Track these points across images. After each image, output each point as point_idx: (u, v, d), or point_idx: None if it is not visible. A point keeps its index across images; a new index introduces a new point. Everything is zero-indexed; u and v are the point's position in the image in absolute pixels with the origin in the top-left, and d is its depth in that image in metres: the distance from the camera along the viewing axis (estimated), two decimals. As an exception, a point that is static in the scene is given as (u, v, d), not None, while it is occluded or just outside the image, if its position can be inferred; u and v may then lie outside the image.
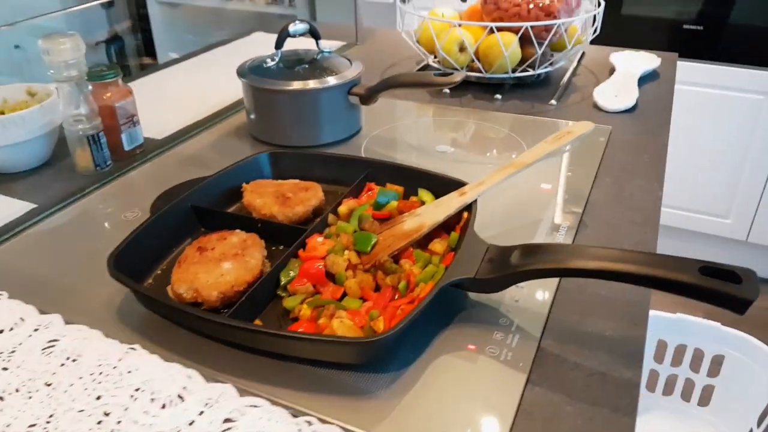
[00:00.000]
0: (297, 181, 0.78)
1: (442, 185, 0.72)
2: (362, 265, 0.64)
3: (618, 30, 2.01)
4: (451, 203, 0.69)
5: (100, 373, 0.49)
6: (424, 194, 0.74)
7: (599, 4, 1.17)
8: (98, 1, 1.63)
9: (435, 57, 1.21)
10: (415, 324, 0.54)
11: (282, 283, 0.62)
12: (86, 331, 0.55)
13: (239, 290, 0.61)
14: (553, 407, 0.52)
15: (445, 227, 0.68)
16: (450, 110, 1.11)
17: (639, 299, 0.63)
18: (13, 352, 0.53)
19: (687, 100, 1.97)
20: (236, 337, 0.56)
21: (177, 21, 1.80)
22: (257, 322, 0.58)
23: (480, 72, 1.14)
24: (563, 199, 0.81)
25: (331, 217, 0.71)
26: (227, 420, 0.46)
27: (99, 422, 0.46)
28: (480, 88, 1.18)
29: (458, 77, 0.85)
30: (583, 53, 1.37)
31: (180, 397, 0.47)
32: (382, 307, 0.59)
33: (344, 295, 0.62)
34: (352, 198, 0.74)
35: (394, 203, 0.73)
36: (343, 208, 0.72)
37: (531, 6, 1.11)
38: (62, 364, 0.52)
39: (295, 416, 0.48)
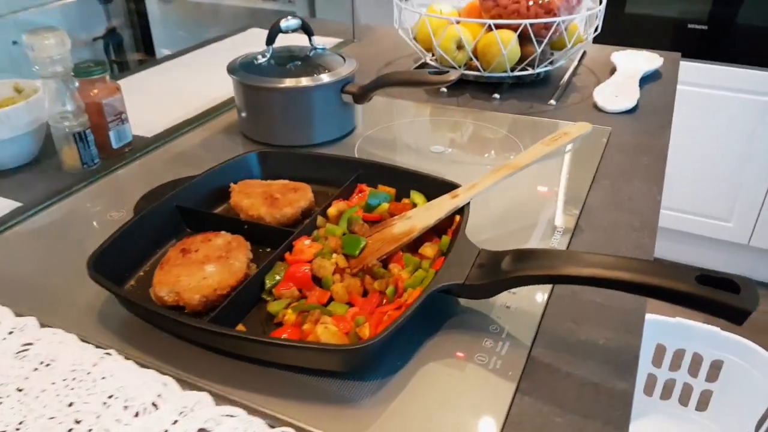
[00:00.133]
0: (286, 181, 0.76)
1: (435, 187, 0.71)
2: (350, 269, 0.62)
3: (620, 29, 1.99)
4: (442, 206, 0.67)
5: (74, 379, 0.48)
6: (416, 196, 0.72)
7: (601, 2, 1.15)
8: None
9: (432, 55, 1.19)
10: (402, 330, 0.52)
11: (267, 286, 0.61)
12: (62, 335, 0.53)
13: (222, 294, 0.59)
14: (543, 418, 0.50)
15: (436, 231, 0.66)
16: (447, 110, 1.09)
17: (635, 307, 0.61)
18: (-15, 356, 0.51)
19: (689, 100, 1.95)
20: (216, 343, 0.55)
21: (174, 17, 1.79)
22: (240, 327, 0.57)
23: (478, 71, 1.12)
24: (560, 202, 0.79)
25: (319, 219, 0.69)
26: (201, 430, 0.44)
27: (69, 430, 0.44)
28: (478, 87, 1.16)
29: (453, 76, 0.83)
30: (584, 52, 1.35)
31: (154, 404, 0.45)
32: (369, 313, 0.57)
33: (331, 299, 0.60)
34: (342, 200, 0.72)
35: (385, 205, 0.71)
36: (332, 210, 0.70)
37: (530, 3, 1.09)
38: (35, 369, 0.50)
39: (272, 427, 0.47)
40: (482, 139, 1.00)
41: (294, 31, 0.93)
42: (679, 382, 1.39)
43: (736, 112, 1.95)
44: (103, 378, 0.47)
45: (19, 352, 0.52)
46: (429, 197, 0.71)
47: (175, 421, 0.44)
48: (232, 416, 0.45)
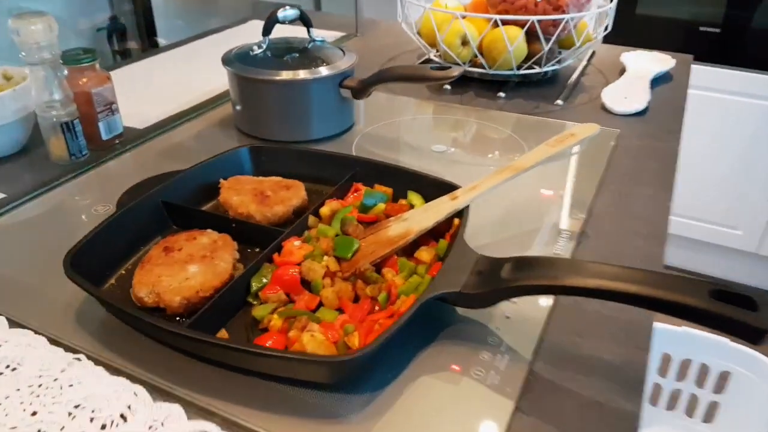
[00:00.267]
0: (279, 178, 0.73)
1: (434, 188, 0.67)
2: (341, 273, 0.59)
3: (631, 29, 1.95)
4: (441, 208, 0.63)
5: (40, 386, 0.44)
6: (414, 197, 0.69)
7: (611, 0, 1.11)
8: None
9: (437, 51, 1.16)
10: (394, 340, 0.49)
11: (253, 289, 0.57)
12: (31, 337, 0.50)
13: (205, 296, 0.56)
14: (542, 440, 0.47)
15: (434, 234, 0.63)
16: (450, 108, 1.05)
17: (642, 319, 0.58)
18: (-52, 358, 0.48)
19: (700, 104, 1.91)
20: (195, 349, 0.51)
21: (178, 6, 1.75)
22: (223, 332, 0.53)
23: (483, 68, 1.08)
24: (564, 207, 0.76)
25: (311, 219, 0.66)
26: (172, 446, 0.41)
27: (32, 442, 0.41)
28: (482, 85, 1.13)
29: (456, 72, 0.80)
30: (593, 52, 1.31)
31: (122, 416, 0.42)
32: (359, 321, 0.53)
33: (320, 305, 0.56)
34: (336, 199, 0.69)
35: (381, 206, 0.68)
36: (325, 210, 0.66)
37: None
38: (0, 373, 0.47)
39: (250, 444, 0.43)
40: (486, 138, 0.97)
41: (292, 22, 0.89)
42: (685, 393, 1.36)
43: (748, 118, 1.91)
44: (71, 385, 0.44)
45: (-15, 354, 0.49)
46: (427, 198, 0.67)
47: (145, 436, 0.41)
48: None
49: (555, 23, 1.05)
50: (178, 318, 0.56)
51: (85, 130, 0.85)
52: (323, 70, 0.86)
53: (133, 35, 1.79)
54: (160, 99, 1.05)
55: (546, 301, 0.59)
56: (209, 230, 0.63)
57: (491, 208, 0.73)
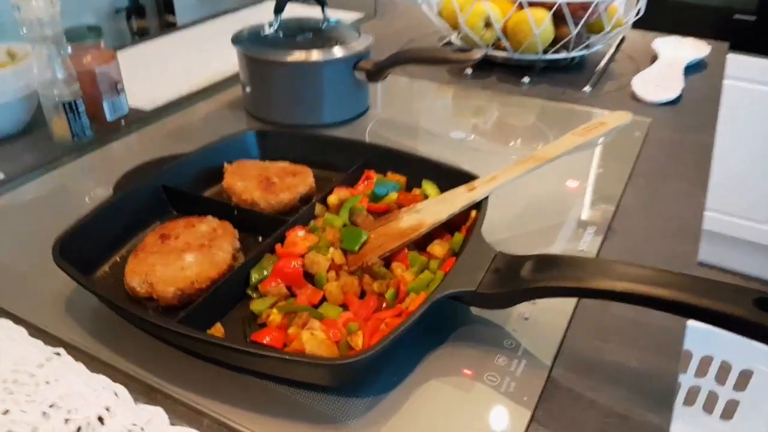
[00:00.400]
0: (286, 164, 0.69)
1: (450, 177, 0.63)
2: (347, 267, 0.55)
3: (662, 15, 1.88)
4: (457, 200, 0.59)
5: (15, 381, 0.41)
6: (428, 187, 0.64)
7: (644, -17, 1.05)
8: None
9: (458, 33, 1.10)
10: (402, 340, 0.45)
11: (252, 282, 0.53)
12: (10, 327, 0.47)
13: (201, 288, 0.52)
14: (561, 457, 0.43)
15: (449, 227, 0.58)
16: (471, 93, 1.00)
17: (673, 324, 0.53)
18: None
19: (733, 95, 1.83)
20: (184, 344, 0.48)
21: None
22: (218, 327, 0.50)
23: (507, 51, 1.03)
24: (590, 201, 0.71)
25: (318, 208, 0.62)
26: (152, 454, 0.37)
27: (2, 445, 0.38)
28: (506, 69, 1.08)
29: (477, 54, 0.75)
30: (623, 37, 1.25)
31: (100, 419, 0.39)
32: (364, 319, 0.49)
33: (324, 300, 0.53)
34: (345, 187, 0.65)
35: (393, 195, 0.63)
36: (333, 198, 0.62)
37: (567, -19, 0.99)
38: (-24, 367, 0.43)
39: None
40: (508, 126, 0.92)
41: (306, 0, 0.85)
42: (704, 389, 1.31)
43: (783, 110, 1.83)
44: (47, 383, 0.41)
45: (-38, 345, 0.45)
46: (443, 188, 0.63)
47: (123, 441, 0.37)
48: (189, 438, 0.38)
49: (584, 6, 0.99)
50: (172, 310, 0.52)
51: (89, 110, 0.82)
52: (337, 51, 0.82)
53: (152, 15, 1.75)
54: (170, 80, 1.01)
55: (568, 301, 0.55)
56: (209, 217, 0.59)
57: (512, 201, 0.68)
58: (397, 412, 0.45)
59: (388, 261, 0.55)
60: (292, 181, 0.65)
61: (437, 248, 0.55)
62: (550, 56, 1.04)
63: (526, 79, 1.04)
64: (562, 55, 1.04)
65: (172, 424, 0.40)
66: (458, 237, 0.57)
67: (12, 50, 0.88)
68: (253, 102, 0.88)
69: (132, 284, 0.52)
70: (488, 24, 1.02)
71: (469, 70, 1.07)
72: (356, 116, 0.89)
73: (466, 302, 0.51)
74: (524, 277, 0.48)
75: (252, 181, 0.64)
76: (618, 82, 1.05)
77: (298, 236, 0.57)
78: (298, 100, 0.83)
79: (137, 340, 0.50)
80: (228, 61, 1.02)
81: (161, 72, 1.07)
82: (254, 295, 0.53)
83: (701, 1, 1.90)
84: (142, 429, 0.37)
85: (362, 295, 0.53)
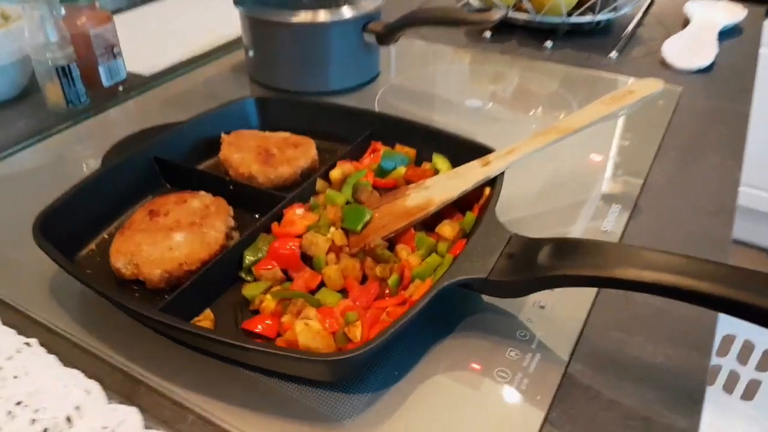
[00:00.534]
0: (288, 134, 0.64)
1: (463, 150, 0.58)
2: (349, 248, 0.51)
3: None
4: (469, 175, 0.54)
5: (-18, 375, 0.38)
6: (439, 161, 0.60)
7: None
8: None
9: (477, -6, 1.04)
10: (405, 331, 0.41)
11: (246, 264, 0.49)
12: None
13: (190, 270, 0.48)
14: (577, 464, 0.39)
15: (460, 205, 0.54)
16: (490, 58, 0.95)
17: (704, 315, 0.48)
18: None
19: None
20: (167, 332, 0.44)
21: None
22: (207, 312, 0.46)
23: (528, 13, 0.97)
24: (615, 176, 0.66)
25: (319, 183, 0.57)
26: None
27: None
28: (528, 33, 1.02)
29: (496, 15, 0.69)
30: (652, 0, 1.17)
31: (68, 419, 0.35)
32: (364, 307, 0.45)
33: (322, 284, 0.49)
34: (350, 160, 0.60)
35: (401, 169, 0.59)
36: (336, 173, 0.58)
37: (595, -63, 0.93)
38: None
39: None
40: (528, 93, 0.86)
41: (313, -43, 0.79)
42: (725, 369, 1.27)
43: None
44: (16, 377, 0.37)
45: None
46: (455, 162, 0.58)
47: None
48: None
49: (613, -36, 0.92)
50: (161, 293, 0.49)
51: (84, 75, 0.77)
52: (345, 12, 0.76)
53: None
54: (170, 43, 0.96)
55: (588, 288, 0.50)
56: (202, 193, 0.55)
57: (530, 176, 0.63)
58: (398, 410, 0.41)
59: (393, 242, 0.51)
60: (293, 153, 0.61)
61: (447, 229, 0.51)
62: (574, 19, 0.97)
63: (548, 44, 0.98)
64: (588, 18, 0.98)
65: (147, 427, 0.36)
66: (470, 216, 0.52)
67: (6, 12, 0.83)
68: (257, 67, 0.83)
69: (117, 265, 0.49)
70: (509, -17, 0.96)
71: (487, 33, 1.02)
72: (366, 82, 0.84)
73: (477, 290, 0.46)
74: (541, 264, 0.43)
75: (250, 153, 0.60)
76: (646, 48, 0.99)
77: (296, 214, 0.52)
78: (304, 65, 0.78)
79: (125, 326, 0.47)
80: (231, 24, 0.97)
81: (161, 35, 1.02)
82: (248, 278, 0.49)
83: (737, -40, 1.79)
84: None
85: (364, 279, 0.49)
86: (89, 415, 0.35)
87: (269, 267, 0.49)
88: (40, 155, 0.71)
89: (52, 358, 0.40)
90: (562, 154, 0.67)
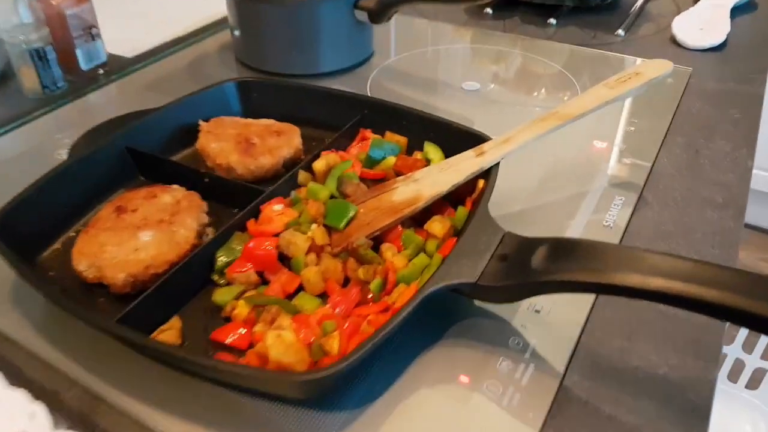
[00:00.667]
0: (272, 121, 0.61)
1: (457, 138, 0.54)
2: (331, 248, 0.47)
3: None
4: (462, 166, 0.51)
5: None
6: (431, 150, 0.56)
7: None
8: None
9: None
10: (387, 341, 0.37)
11: (218, 266, 0.46)
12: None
13: (157, 273, 0.45)
14: (572, 489, 0.35)
15: (452, 198, 0.50)
16: (491, 36, 0.90)
17: (712, 320, 0.44)
18: None
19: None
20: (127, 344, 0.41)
21: None
22: (174, 321, 0.43)
23: (531, -11, 0.93)
24: (619, 165, 0.62)
25: (302, 176, 0.54)
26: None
27: None
28: (531, 9, 0.98)
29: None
30: (663, -27, 1.12)
31: (12, 448, 0.32)
32: (343, 316, 0.42)
33: (302, 287, 0.45)
34: (335, 150, 0.56)
35: (391, 159, 0.55)
36: (319, 164, 0.54)
37: None
38: None
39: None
40: (531, 74, 0.82)
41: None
42: (730, 357, 1.25)
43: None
44: (-43, 398, 0.34)
45: None
46: (448, 152, 0.54)
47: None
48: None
49: (621, -65, 0.87)
50: (129, 297, 0.45)
51: (61, 58, 0.74)
52: (335, -12, 0.72)
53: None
54: (153, 23, 0.92)
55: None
56: (175, 186, 0.52)
57: (528, 165, 0.59)
58: (379, 429, 0.38)
59: (379, 240, 0.47)
60: (275, 142, 0.57)
61: (437, 226, 0.47)
62: (579, -6, 0.93)
63: (552, 21, 0.95)
64: (594, -7, 0.93)
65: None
66: (462, 212, 0.49)
67: (-22, -10, 0.79)
68: (244, 48, 0.79)
69: (79, 268, 0.45)
70: (510, -43, 0.91)
71: (489, 9, 0.98)
72: (358, 64, 0.80)
73: (466, 294, 0.43)
74: (535, 268, 0.40)
75: (229, 142, 0.56)
76: (656, 25, 0.94)
77: (274, 211, 0.49)
78: (292, 45, 0.74)
79: (89, 335, 0.43)
80: (217, 1, 0.93)
81: (143, 14, 0.98)
82: (221, 282, 0.46)
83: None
84: (59, 461, 0.31)
85: (346, 281, 0.46)
86: (33, 443, 0.32)
87: (243, 269, 0.45)
88: (15, 143, 0.68)
89: (-1, 377, 0.37)
90: (563, 141, 0.63)
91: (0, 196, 0.48)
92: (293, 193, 0.52)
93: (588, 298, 0.46)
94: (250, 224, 0.48)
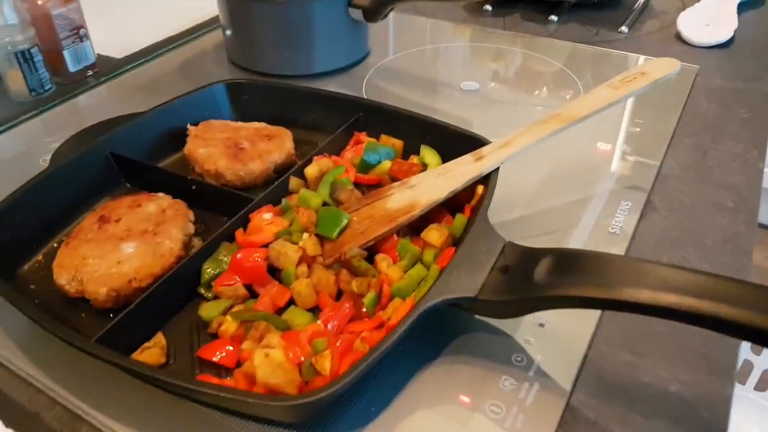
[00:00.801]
0: (263, 125, 0.58)
1: (454, 142, 0.52)
2: (323, 259, 0.45)
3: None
4: (460, 172, 0.48)
5: None
6: (428, 154, 0.54)
7: None
8: None
9: (477, -35, 0.97)
10: (381, 360, 0.35)
11: (205, 278, 0.44)
12: None
13: (140, 287, 0.43)
14: None
15: (450, 205, 0.48)
16: (490, 34, 0.88)
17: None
18: None
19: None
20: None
21: None
22: (158, 337, 0.40)
23: (532, -14, 0.90)
24: (624, 168, 0.59)
25: (294, 182, 0.51)
26: None
27: None
28: (531, 6, 0.96)
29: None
30: (668, -32, 1.10)
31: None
32: (336, 332, 0.40)
33: (292, 301, 0.43)
34: (328, 154, 0.54)
35: (386, 164, 0.53)
36: (311, 170, 0.52)
37: None
38: None
39: None
40: (531, 73, 0.80)
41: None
42: (739, 359, 1.22)
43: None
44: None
45: None
46: (446, 155, 0.52)
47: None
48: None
49: (624, -71, 0.85)
50: (110, 312, 0.43)
51: (48, 60, 0.72)
52: (328, -14, 0.70)
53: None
54: (143, 23, 0.90)
55: (594, 302, 0.44)
56: (161, 194, 0.49)
57: (529, 168, 0.57)
58: (374, 453, 0.36)
59: (374, 250, 0.45)
60: (266, 146, 0.55)
61: (434, 234, 0.45)
62: (581, -10, 0.91)
63: (553, 18, 0.93)
64: (596, -11, 0.91)
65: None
66: (460, 219, 0.46)
67: (-37, -9, 0.77)
68: (236, 48, 0.76)
69: (60, 282, 0.43)
70: (510, -48, 0.89)
71: (488, 7, 0.96)
72: (353, 63, 0.77)
73: (465, 309, 0.40)
74: (538, 281, 0.38)
75: (218, 147, 0.54)
76: (660, 21, 0.92)
77: (263, 220, 0.46)
78: (284, 45, 0.72)
79: (71, 354, 0.41)
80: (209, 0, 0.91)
81: (133, 14, 0.96)
82: (208, 295, 0.44)
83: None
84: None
85: (339, 294, 0.43)
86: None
87: (231, 282, 0.43)
88: (1, 149, 0.65)
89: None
90: (565, 143, 0.60)
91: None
92: (284, 201, 0.50)
93: (594, 311, 0.44)
94: (239, 234, 0.46)
